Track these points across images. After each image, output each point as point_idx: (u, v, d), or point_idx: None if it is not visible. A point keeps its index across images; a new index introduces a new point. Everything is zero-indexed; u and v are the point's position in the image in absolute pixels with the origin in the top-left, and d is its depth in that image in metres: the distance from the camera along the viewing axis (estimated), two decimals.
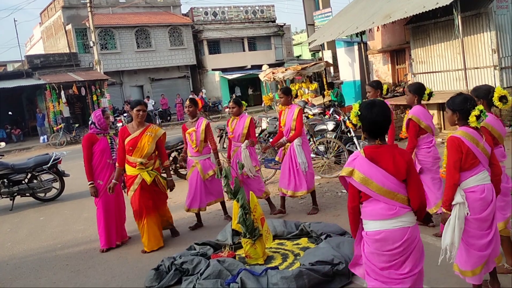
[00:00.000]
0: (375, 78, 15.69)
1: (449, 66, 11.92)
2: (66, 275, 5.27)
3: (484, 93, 3.99)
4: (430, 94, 5.34)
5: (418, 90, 5.28)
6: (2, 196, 9.09)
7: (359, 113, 2.97)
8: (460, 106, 3.49)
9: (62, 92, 23.88)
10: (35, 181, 9.33)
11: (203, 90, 30.57)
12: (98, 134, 6.01)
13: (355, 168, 2.90)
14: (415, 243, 2.90)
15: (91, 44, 26.57)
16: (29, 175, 9.29)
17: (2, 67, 40.10)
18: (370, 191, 2.87)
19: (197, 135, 6.25)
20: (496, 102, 3.91)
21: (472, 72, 11.08)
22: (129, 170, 5.62)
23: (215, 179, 6.34)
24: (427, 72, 12.55)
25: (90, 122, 6.09)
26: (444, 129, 11.81)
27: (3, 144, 10.19)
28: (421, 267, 2.95)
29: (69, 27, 29.39)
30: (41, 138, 23.28)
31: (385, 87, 6.01)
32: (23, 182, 9.23)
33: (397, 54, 15.15)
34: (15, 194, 9.14)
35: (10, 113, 25.60)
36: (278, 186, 6.84)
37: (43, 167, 9.26)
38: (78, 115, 26.53)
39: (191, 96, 6.46)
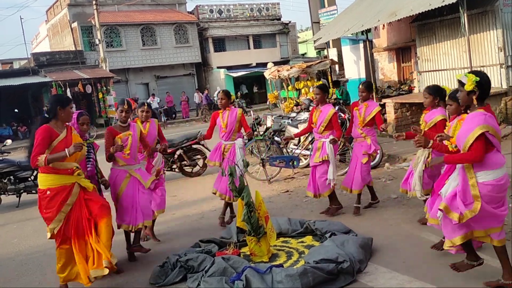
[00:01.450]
0: (380, 76, 15.66)
1: (455, 64, 11.86)
2: None
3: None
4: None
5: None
6: (9, 193, 9.15)
7: (478, 79, 3.53)
8: None
9: (68, 90, 23.98)
10: None
11: (218, 88, 30.60)
12: None
13: (489, 124, 3.46)
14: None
15: (97, 42, 26.64)
16: (35, 172, 9.33)
17: (8, 65, 40.29)
18: (496, 142, 3.51)
19: (134, 140, 5.32)
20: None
21: None
22: (62, 180, 4.38)
23: (148, 191, 5.44)
24: (433, 70, 12.50)
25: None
26: None
27: (9, 141, 10.25)
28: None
29: (75, 24, 29.49)
30: None
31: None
32: (29, 179, 9.28)
33: (402, 52, 15.09)
34: (21, 191, 9.19)
35: (16, 110, 25.71)
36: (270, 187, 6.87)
37: None
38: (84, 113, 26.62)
39: (127, 98, 5.80)
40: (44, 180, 4.39)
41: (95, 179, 5.21)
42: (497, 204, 3.58)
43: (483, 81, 3.54)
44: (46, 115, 4.52)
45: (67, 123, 4.62)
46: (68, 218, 4.43)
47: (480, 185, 3.54)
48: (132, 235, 5.44)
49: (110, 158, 5.23)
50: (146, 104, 6.18)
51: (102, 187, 5.40)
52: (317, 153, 6.27)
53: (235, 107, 6.64)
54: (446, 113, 4.92)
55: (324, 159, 6.16)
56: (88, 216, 4.49)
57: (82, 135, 5.14)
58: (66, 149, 4.26)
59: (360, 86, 6.30)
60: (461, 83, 3.62)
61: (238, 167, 5.28)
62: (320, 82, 15.36)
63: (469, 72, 3.63)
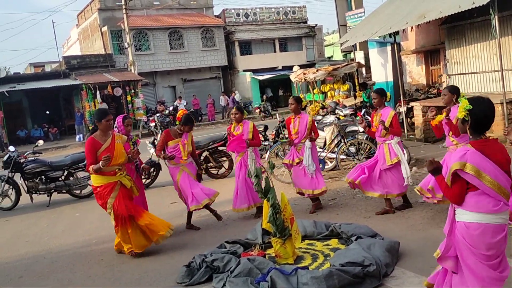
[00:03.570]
0: (408, 80, 15.46)
1: (485, 67, 11.63)
2: (100, 269, 5.41)
3: None
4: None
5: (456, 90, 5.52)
6: (40, 192, 9.39)
7: (471, 107, 2.99)
8: None
9: (98, 92, 24.49)
10: (71, 178, 9.59)
11: (236, 92, 30.76)
12: None
13: (468, 161, 2.90)
14: (506, 241, 2.98)
15: (126, 46, 27.11)
16: (66, 172, 9.55)
17: (40, 68, 41.33)
18: (482, 184, 2.90)
19: (184, 146, 6.41)
20: None
21: (509, 74, 10.78)
22: (106, 179, 5.43)
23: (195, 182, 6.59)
24: (463, 73, 12.28)
25: (114, 126, 6.26)
26: None
27: (41, 142, 10.49)
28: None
29: (105, 28, 30.08)
30: (77, 136, 23.89)
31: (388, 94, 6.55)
32: (60, 179, 9.49)
33: (431, 55, 14.87)
34: (52, 190, 9.42)
35: (47, 112, 26.37)
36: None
37: (79, 164, 9.50)
38: (113, 115, 27.07)
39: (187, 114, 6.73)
40: (94, 180, 5.48)
41: (139, 170, 6.47)
42: (483, 259, 2.93)
43: (477, 111, 2.99)
44: (94, 126, 5.55)
45: (113, 132, 5.60)
46: (115, 206, 5.41)
47: (456, 225, 3.06)
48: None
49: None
50: (235, 107, 6.95)
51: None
52: (386, 155, 6.30)
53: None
54: None
55: (397, 159, 6.22)
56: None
57: (127, 134, 6.30)
58: (99, 164, 5.24)
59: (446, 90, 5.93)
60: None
61: (265, 169, 5.31)
62: (347, 86, 15.28)
63: (467, 98, 3.10)
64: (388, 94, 6.44)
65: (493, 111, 3.07)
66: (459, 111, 3.07)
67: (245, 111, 7.00)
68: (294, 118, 6.88)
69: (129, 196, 5.59)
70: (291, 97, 7.01)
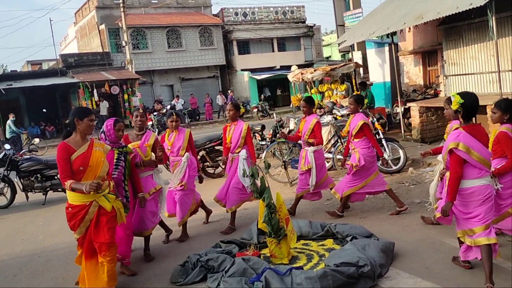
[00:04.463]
0: (406, 80, 15.47)
1: (482, 68, 11.63)
2: None
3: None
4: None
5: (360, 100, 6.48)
6: (35, 190, 9.36)
7: (462, 101, 3.91)
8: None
9: (95, 91, 24.46)
10: None
11: (229, 91, 30.77)
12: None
13: (460, 141, 3.85)
14: (492, 197, 3.98)
15: (124, 44, 27.07)
16: None
17: (37, 66, 41.28)
18: (470, 159, 3.86)
19: (143, 151, 5.51)
20: None
21: (506, 75, 10.79)
22: (79, 198, 4.29)
23: (150, 201, 5.49)
24: (460, 74, 12.28)
25: (101, 131, 5.25)
26: None
27: (37, 140, 10.51)
28: (491, 218, 3.99)
29: (102, 27, 30.02)
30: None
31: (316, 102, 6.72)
32: (56, 177, 9.45)
33: (429, 56, 14.88)
34: (48, 189, 9.39)
35: (44, 110, 26.30)
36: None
37: None
38: (110, 113, 27.08)
39: (138, 106, 5.83)
40: (68, 195, 4.39)
41: (121, 186, 5.14)
42: (466, 210, 4.00)
43: (467, 103, 3.92)
44: (69, 128, 4.46)
45: (91, 137, 4.52)
46: (87, 233, 4.37)
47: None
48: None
49: None
50: (174, 114, 6.12)
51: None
52: (302, 161, 6.69)
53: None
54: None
55: (308, 167, 6.57)
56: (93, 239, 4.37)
57: (117, 141, 5.16)
58: (84, 186, 4.09)
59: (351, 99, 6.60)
60: (450, 101, 4.07)
61: (260, 168, 5.30)
62: (345, 86, 15.29)
63: (458, 93, 3.99)
64: (316, 102, 6.80)
65: (478, 102, 4.00)
66: (453, 104, 3.96)
67: (181, 118, 6.38)
68: (230, 125, 6.47)
69: (108, 221, 4.34)
70: (230, 103, 6.59)
